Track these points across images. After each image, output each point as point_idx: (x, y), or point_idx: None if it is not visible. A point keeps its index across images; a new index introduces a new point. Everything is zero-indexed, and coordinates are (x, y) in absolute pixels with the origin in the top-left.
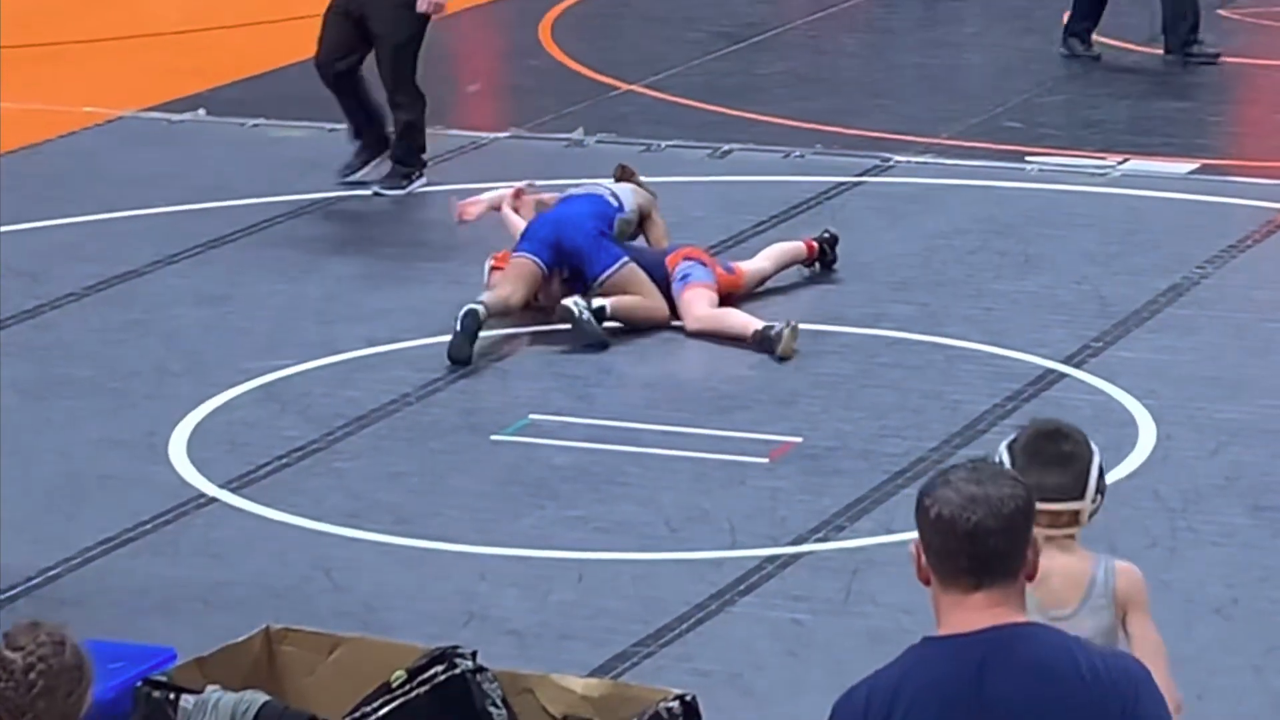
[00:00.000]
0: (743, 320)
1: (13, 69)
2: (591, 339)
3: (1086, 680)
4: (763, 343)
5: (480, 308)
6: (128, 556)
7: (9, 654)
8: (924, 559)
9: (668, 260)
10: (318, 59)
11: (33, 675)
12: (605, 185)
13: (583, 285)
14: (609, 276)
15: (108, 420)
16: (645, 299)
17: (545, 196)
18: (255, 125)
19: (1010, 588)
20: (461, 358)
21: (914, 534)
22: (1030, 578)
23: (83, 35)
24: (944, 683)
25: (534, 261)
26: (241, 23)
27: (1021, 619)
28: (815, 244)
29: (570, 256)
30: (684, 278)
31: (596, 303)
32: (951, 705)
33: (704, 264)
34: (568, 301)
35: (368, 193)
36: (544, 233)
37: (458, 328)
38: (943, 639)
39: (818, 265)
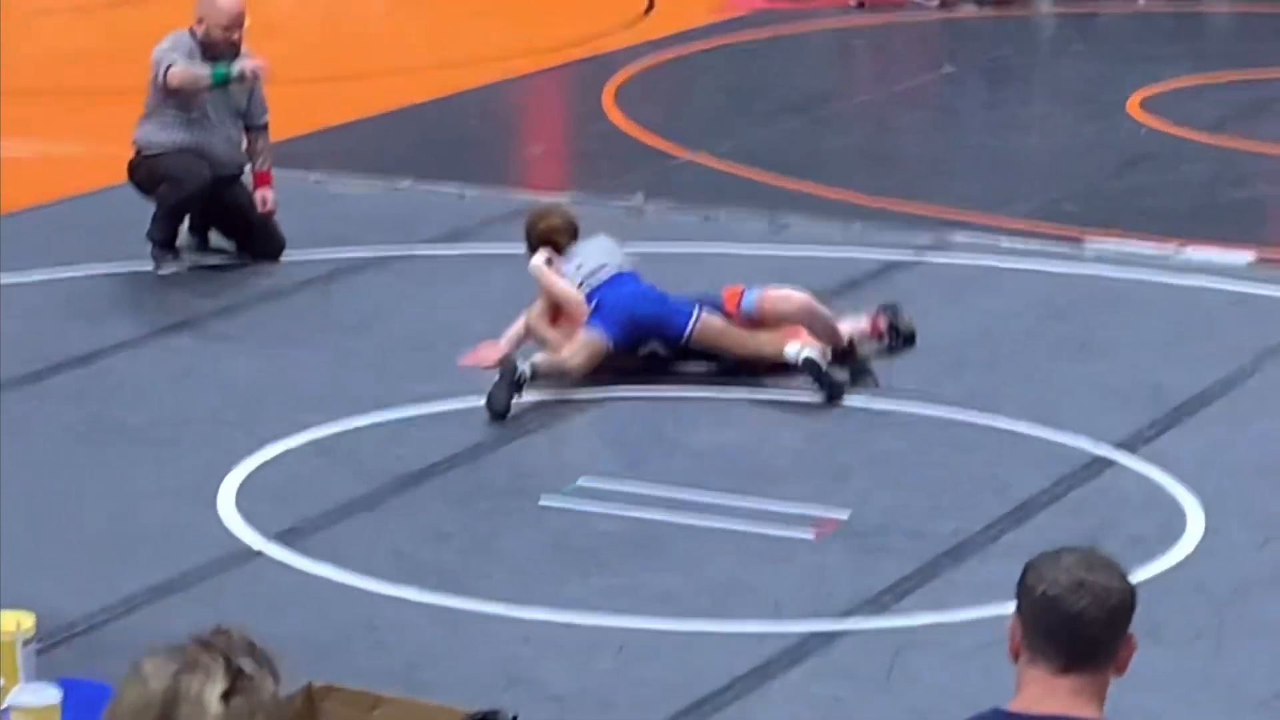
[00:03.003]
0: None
1: (77, 113)
2: (836, 388)
3: None
4: (887, 315)
5: (527, 367)
6: (172, 606)
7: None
8: (1019, 634)
9: (725, 296)
10: None
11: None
12: (607, 259)
13: (664, 347)
14: (693, 331)
15: (158, 468)
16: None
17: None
18: (316, 180)
19: (1095, 679)
20: (498, 408)
21: (960, 614)
22: (1119, 672)
23: (142, 84)
24: None
25: (606, 341)
26: (304, 78)
27: (1096, 715)
28: (879, 325)
29: (650, 326)
30: (751, 290)
31: (801, 352)
32: None
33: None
34: (812, 355)
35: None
36: (614, 314)
37: (497, 377)
38: (1012, 714)
39: (888, 342)
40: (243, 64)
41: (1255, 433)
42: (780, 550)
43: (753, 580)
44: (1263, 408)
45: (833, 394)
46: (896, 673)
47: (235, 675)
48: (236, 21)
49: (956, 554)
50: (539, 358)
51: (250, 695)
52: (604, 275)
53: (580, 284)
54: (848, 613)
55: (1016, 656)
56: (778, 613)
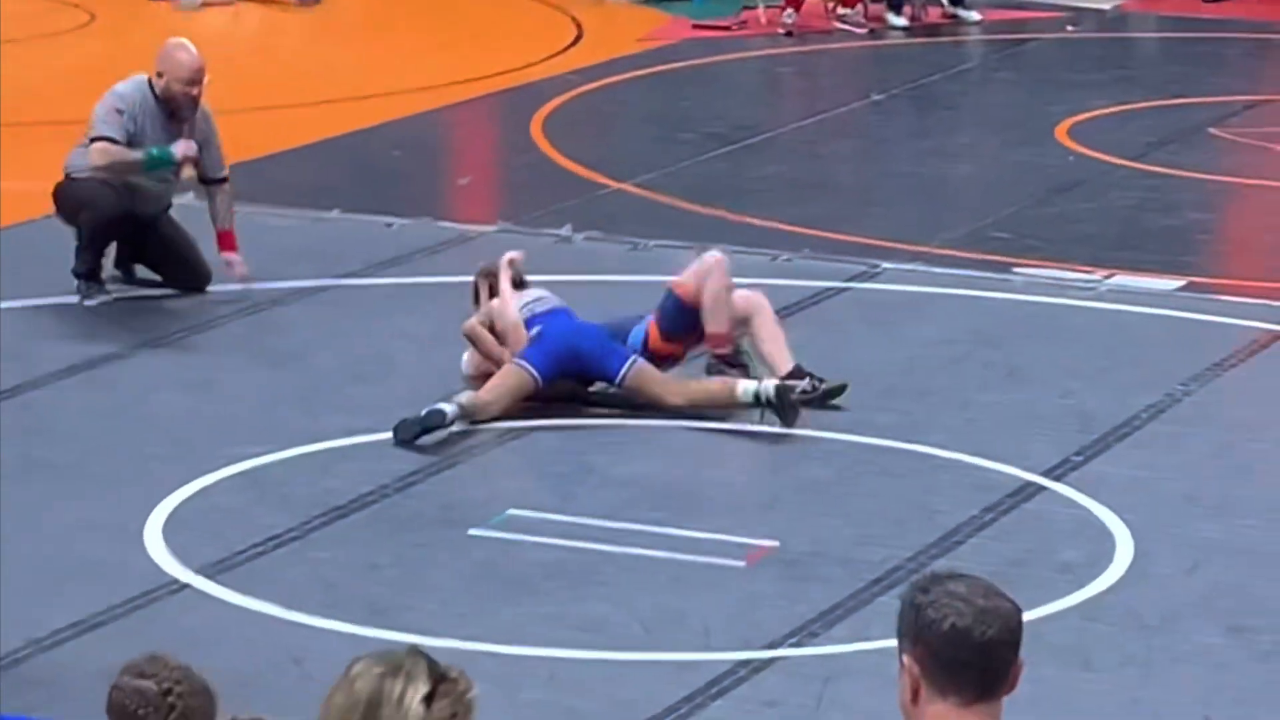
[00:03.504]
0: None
1: (8, 146)
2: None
3: None
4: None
5: (450, 410)
6: (98, 640)
7: (142, 682)
8: (917, 671)
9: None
10: None
11: (171, 699)
12: (547, 293)
13: (593, 384)
14: (626, 376)
15: (85, 503)
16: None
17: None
18: (244, 212)
19: (997, 704)
20: (401, 438)
21: (888, 642)
22: (1010, 691)
23: (76, 117)
24: None
25: (532, 376)
26: (234, 109)
27: None
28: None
29: (587, 362)
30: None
31: (765, 387)
32: None
33: None
34: (745, 391)
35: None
36: (554, 345)
37: (421, 414)
38: None
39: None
40: (177, 150)
41: (1183, 459)
42: (710, 579)
43: (682, 609)
44: (1190, 434)
45: (792, 419)
46: (826, 701)
47: (438, 679)
48: (197, 77)
49: (886, 581)
50: (465, 398)
51: (453, 699)
52: (544, 306)
53: (521, 306)
54: (778, 641)
55: (915, 697)
56: (708, 641)
